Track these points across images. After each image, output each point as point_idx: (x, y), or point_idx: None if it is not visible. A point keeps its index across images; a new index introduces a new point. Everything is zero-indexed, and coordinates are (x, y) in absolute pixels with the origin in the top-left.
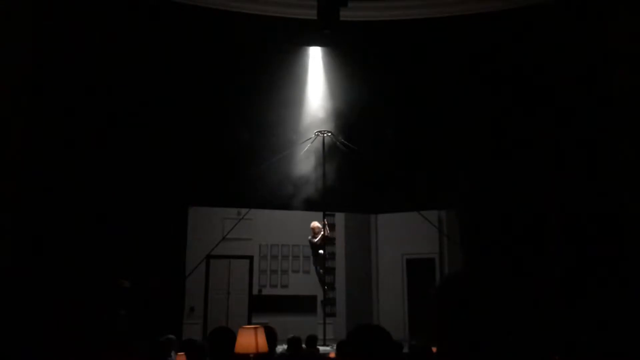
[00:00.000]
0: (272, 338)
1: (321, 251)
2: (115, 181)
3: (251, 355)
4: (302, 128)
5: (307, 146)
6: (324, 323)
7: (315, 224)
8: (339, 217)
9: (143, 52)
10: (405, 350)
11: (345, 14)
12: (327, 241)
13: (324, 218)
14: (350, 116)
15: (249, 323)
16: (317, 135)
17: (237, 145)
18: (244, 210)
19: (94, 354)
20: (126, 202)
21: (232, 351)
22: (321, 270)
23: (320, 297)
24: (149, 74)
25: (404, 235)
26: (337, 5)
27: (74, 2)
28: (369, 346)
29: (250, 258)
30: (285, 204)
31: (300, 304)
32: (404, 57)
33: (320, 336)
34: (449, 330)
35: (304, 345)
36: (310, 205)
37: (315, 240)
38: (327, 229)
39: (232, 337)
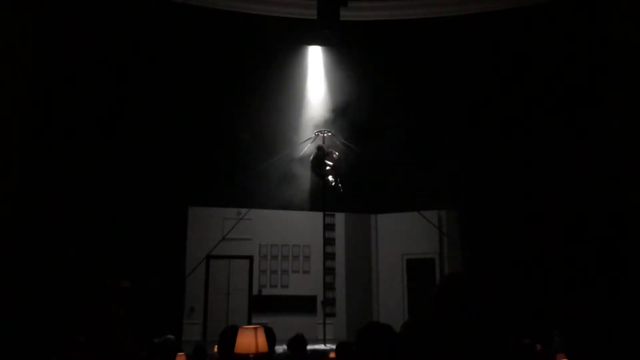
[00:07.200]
0: (270, 338)
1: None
2: (115, 181)
3: (251, 355)
4: (302, 128)
5: (307, 146)
6: (324, 323)
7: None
8: (339, 217)
9: (143, 52)
10: None
11: (345, 14)
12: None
13: (324, 218)
14: (350, 116)
15: (249, 323)
16: (317, 134)
17: (237, 145)
18: (244, 210)
19: (92, 354)
20: (126, 202)
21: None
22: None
23: (320, 297)
24: (149, 74)
25: (404, 235)
26: (337, 5)
27: (74, 2)
28: (378, 345)
29: (250, 258)
30: (285, 204)
31: (300, 304)
32: (403, 57)
33: (320, 336)
34: (450, 330)
35: (284, 347)
36: (311, 205)
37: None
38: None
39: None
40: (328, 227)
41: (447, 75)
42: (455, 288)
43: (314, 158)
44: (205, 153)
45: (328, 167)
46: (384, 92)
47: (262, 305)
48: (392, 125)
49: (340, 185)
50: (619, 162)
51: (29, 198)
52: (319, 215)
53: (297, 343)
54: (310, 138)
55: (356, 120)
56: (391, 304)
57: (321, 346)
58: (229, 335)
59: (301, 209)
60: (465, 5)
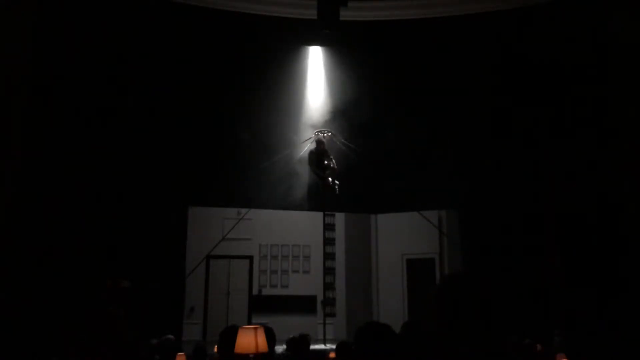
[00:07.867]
0: (270, 338)
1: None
2: (115, 181)
3: (251, 355)
4: (302, 128)
5: (307, 146)
6: (324, 323)
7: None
8: (339, 217)
9: (143, 52)
10: None
11: (345, 14)
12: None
13: (324, 218)
14: (350, 116)
15: (249, 323)
16: (317, 135)
17: (237, 145)
18: (244, 210)
19: (92, 354)
20: (126, 202)
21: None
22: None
23: (320, 297)
24: (149, 74)
25: (404, 235)
26: (337, 5)
27: (74, 2)
28: (377, 345)
29: (250, 258)
30: (285, 204)
31: (300, 304)
32: (403, 57)
33: (320, 336)
34: (449, 331)
35: (283, 347)
36: (310, 205)
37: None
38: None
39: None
40: (328, 227)
41: (447, 75)
42: (455, 288)
43: (313, 153)
44: (205, 153)
45: (326, 164)
46: (384, 92)
47: (262, 305)
48: (392, 125)
49: (337, 187)
50: (620, 161)
51: (29, 198)
52: (319, 215)
53: (297, 343)
54: (310, 138)
55: (356, 120)
56: (391, 304)
57: (321, 346)
58: (229, 335)
59: (301, 209)
60: (465, 5)
